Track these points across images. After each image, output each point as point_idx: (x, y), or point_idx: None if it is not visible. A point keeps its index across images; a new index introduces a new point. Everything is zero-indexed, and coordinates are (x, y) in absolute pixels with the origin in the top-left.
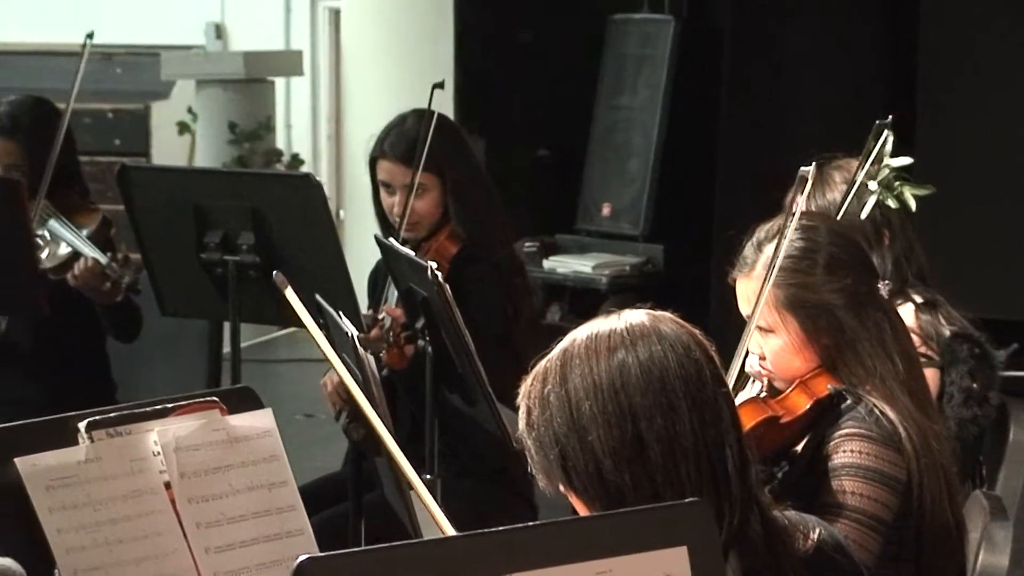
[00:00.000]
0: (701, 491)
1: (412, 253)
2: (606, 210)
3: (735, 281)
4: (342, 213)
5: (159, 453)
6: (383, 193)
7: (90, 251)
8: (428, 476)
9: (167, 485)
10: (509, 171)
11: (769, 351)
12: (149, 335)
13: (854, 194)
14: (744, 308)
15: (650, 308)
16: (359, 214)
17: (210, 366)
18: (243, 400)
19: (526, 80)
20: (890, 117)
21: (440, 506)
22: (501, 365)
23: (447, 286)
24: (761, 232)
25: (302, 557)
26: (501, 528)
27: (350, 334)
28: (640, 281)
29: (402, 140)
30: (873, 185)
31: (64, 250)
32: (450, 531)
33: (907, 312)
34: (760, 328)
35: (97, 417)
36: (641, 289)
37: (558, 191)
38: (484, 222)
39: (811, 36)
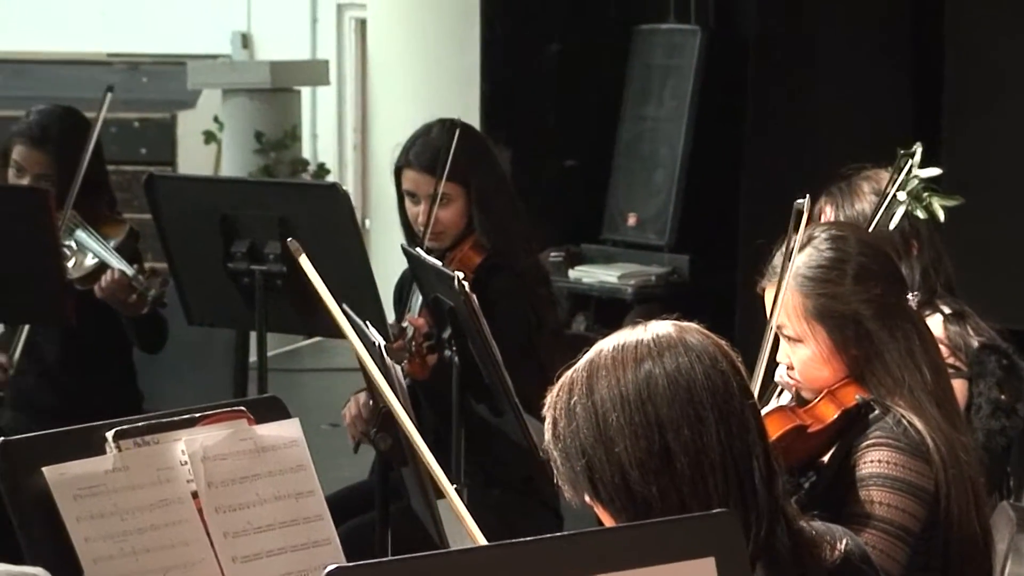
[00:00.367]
0: (728, 502)
1: (439, 263)
2: (632, 220)
3: (763, 290)
4: (367, 222)
5: (186, 462)
6: (408, 202)
7: (117, 263)
8: (454, 486)
9: (194, 494)
10: (535, 181)
11: (797, 361)
12: (175, 344)
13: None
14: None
15: (677, 319)
16: (385, 224)
17: (236, 375)
18: (270, 410)
19: (552, 90)
20: (917, 146)
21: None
22: (525, 375)
23: (474, 296)
24: (790, 241)
25: (331, 567)
26: (529, 538)
27: (377, 344)
28: (665, 291)
29: (427, 150)
30: (902, 196)
31: (91, 261)
32: (482, 541)
33: (935, 323)
34: (788, 338)
35: (125, 426)
36: (666, 299)
37: (584, 201)
38: (508, 232)
39: (837, 47)
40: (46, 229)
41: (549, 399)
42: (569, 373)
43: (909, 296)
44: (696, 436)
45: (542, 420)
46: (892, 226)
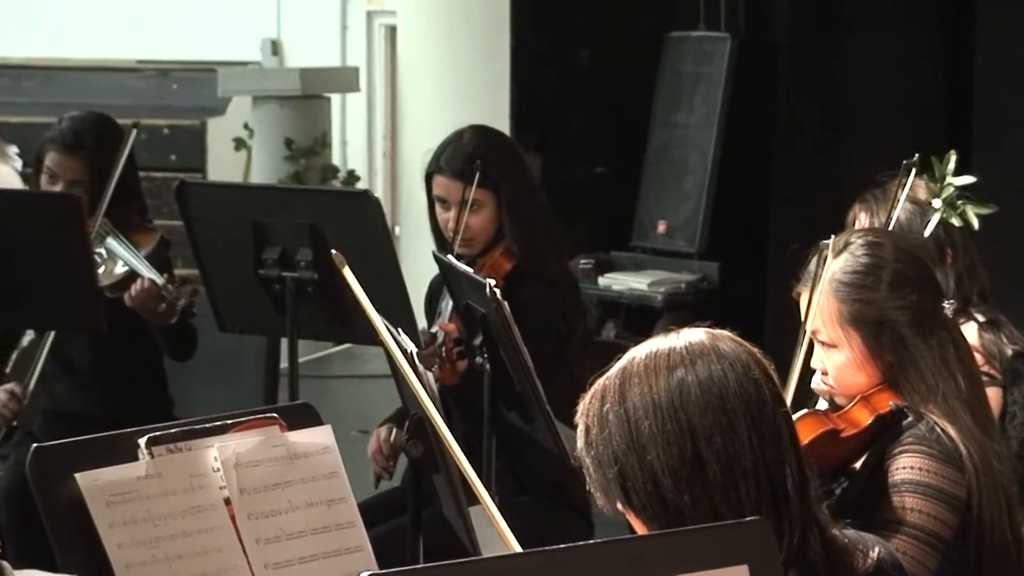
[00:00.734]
0: (760, 510)
1: (471, 270)
2: (661, 227)
3: (799, 295)
4: (397, 229)
5: (219, 469)
6: (438, 208)
7: (147, 271)
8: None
9: (227, 501)
10: (565, 188)
11: (832, 366)
12: (206, 351)
13: (910, 214)
14: (808, 321)
15: (709, 326)
16: (414, 230)
17: (267, 382)
18: (302, 416)
19: (582, 97)
20: (916, 156)
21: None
22: (555, 382)
23: (506, 304)
24: (827, 247)
25: (364, 574)
26: (562, 546)
27: (409, 351)
28: (695, 298)
29: (458, 156)
30: (937, 203)
31: (121, 269)
32: (517, 548)
33: (970, 331)
34: (823, 343)
35: (157, 433)
36: (696, 307)
37: (614, 208)
38: (538, 239)
39: (868, 54)
40: (78, 236)
41: (582, 406)
42: (602, 380)
43: (945, 304)
44: (728, 444)
45: (572, 427)
46: (927, 233)
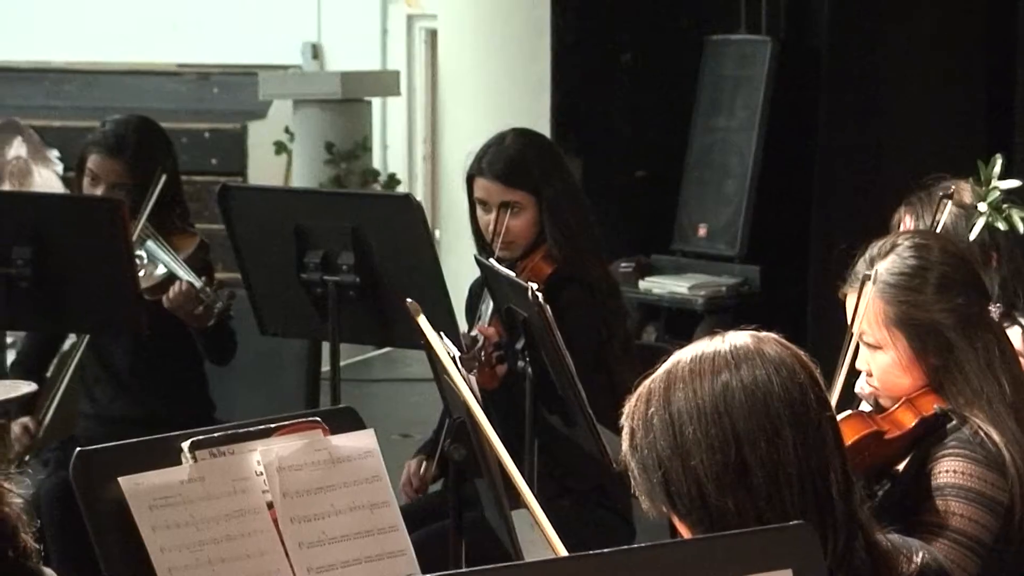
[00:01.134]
0: (805, 516)
1: (513, 274)
2: (702, 231)
3: (845, 296)
4: (438, 233)
5: (262, 473)
6: (479, 211)
7: (185, 274)
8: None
9: (270, 505)
10: (605, 191)
11: (876, 368)
12: (248, 354)
13: (955, 217)
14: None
15: (756, 330)
16: (455, 234)
17: (308, 386)
18: (345, 420)
19: (623, 100)
20: (952, 189)
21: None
22: (595, 386)
23: (547, 307)
24: (874, 248)
25: None
26: (608, 550)
27: (452, 355)
28: (736, 302)
29: (500, 158)
30: (983, 207)
31: (160, 271)
32: (563, 552)
33: (1015, 335)
34: (869, 345)
35: (200, 437)
36: (737, 310)
37: (654, 211)
38: (579, 242)
39: (909, 56)
40: (120, 240)
41: (627, 408)
42: (647, 383)
43: (992, 308)
44: (772, 450)
45: (613, 430)
46: (972, 237)
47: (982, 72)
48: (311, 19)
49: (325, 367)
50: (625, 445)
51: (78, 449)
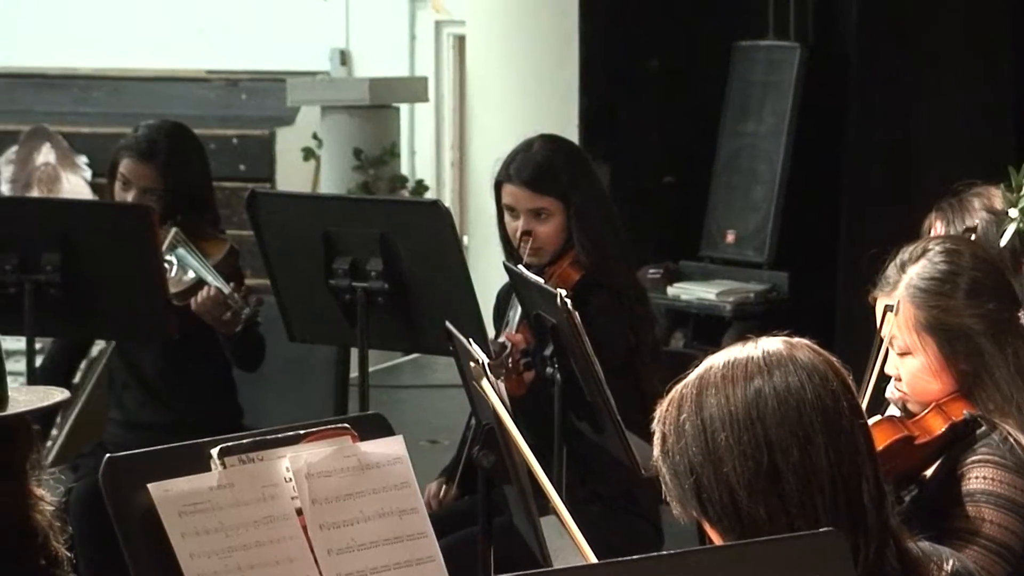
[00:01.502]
0: (837, 523)
1: (541, 280)
2: (730, 237)
3: (875, 300)
4: (466, 239)
5: (291, 479)
6: (507, 217)
7: (214, 280)
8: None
9: (299, 511)
10: (633, 197)
11: (906, 373)
12: (276, 360)
13: (986, 223)
14: (883, 328)
15: (788, 335)
16: (483, 240)
17: (337, 392)
18: (374, 427)
19: (651, 106)
20: (977, 223)
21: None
22: (623, 393)
23: (576, 313)
24: (905, 253)
25: None
26: (637, 556)
27: (481, 362)
28: (765, 308)
29: (528, 165)
30: (1013, 213)
31: (189, 277)
32: (592, 558)
33: None
34: (899, 350)
35: (229, 443)
36: (765, 316)
37: (682, 217)
38: (607, 249)
39: (938, 61)
40: (149, 246)
41: (658, 414)
42: (679, 388)
43: (1021, 314)
44: (805, 457)
45: (641, 436)
46: (1003, 243)
47: (1011, 74)
48: (339, 25)
49: (353, 373)
50: (656, 450)
51: (107, 456)
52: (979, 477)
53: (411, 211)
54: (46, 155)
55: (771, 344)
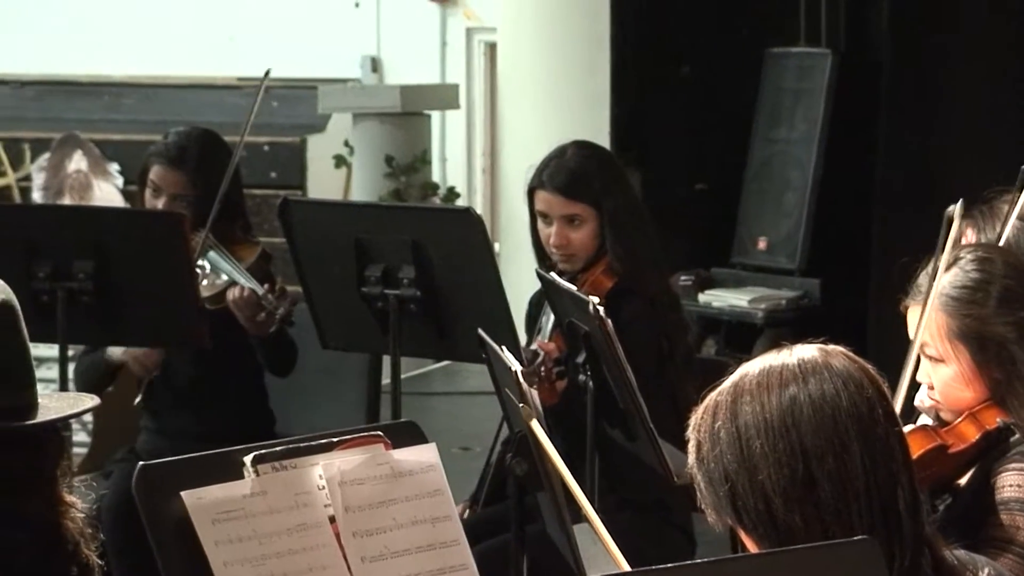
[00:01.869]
0: (872, 531)
1: (574, 288)
2: (762, 244)
3: (907, 309)
4: (497, 246)
5: (324, 487)
6: (540, 223)
7: (247, 282)
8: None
9: (332, 519)
10: (665, 204)
11: (938, 381)
12: (308, 368)
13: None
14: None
15: (823, 343)
16: (514, 247)
17: (369, 399)
18: (407, 434)
19: (682, 113)
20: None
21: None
22: (656, 400)
23: (609, 321)
24: (936, 261)
25: None
26: (670, 564)
27: (514, 370)
28: (796, 315)
29: (561, 171)
30: None
31: (222, 280)
32: (625, 566)
33: None
34: (931, 357)
35: (263, 451)
36: (797, 323)
37: (714, 224)
38: (640, 256)
39: (970, 67)
40: (181, 253)
41: (693, 421)
42: (714, 395)
43: None
44: (840, 464)
45: (674, 444)
46: None
47: None
48: (370, 33)
49: (385, 380)
50: (691, 458)
51: (140, 464)
52: (1013, 485)
53: (443, 218)
54: (78, 162)
55: (806, 352)
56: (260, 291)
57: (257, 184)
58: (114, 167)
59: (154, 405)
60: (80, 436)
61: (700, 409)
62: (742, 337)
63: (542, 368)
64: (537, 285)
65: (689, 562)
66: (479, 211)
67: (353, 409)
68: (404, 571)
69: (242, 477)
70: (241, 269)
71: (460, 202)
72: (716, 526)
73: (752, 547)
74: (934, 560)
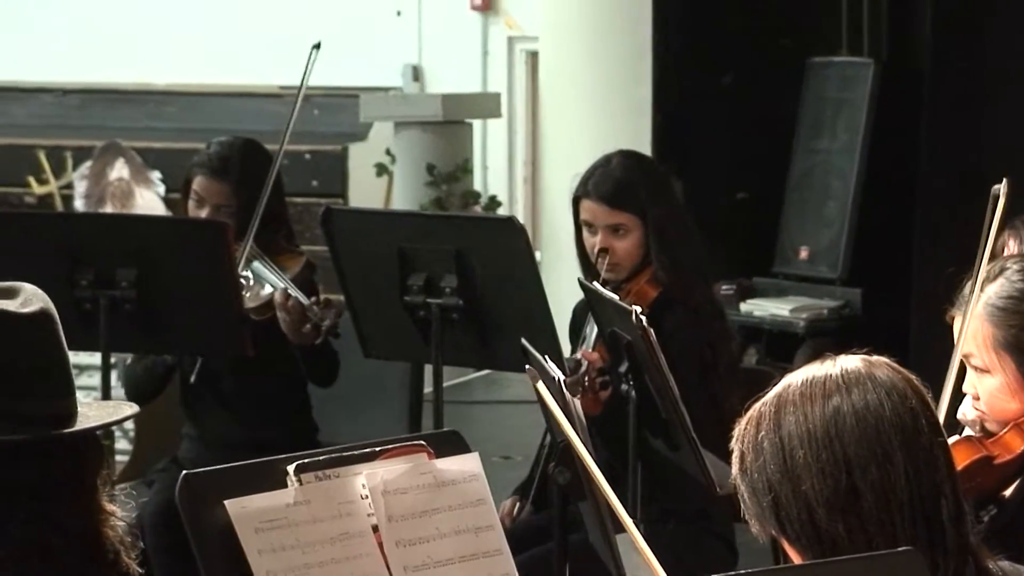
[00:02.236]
0: (915, 542)
1: (616, 297)
2: (804, 253)
3: (952, 319)
4: (539, 255)
5: (367, 496)
6: (585, 233)
7: (292, 292)
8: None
9: (375, 528)
10: (707, 213)
11: (984, 392)
12: (350, 376)
13: None
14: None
15: (867, 353)
16: (556, 257)
17: (411, 408)
18: (450, 444)
19: (724, 122)
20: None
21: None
22: (700, 410)
23: (651, 330)
24: (982, 272)
25: None
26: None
27: (557, 379)
28: (838, 325)
29: (607, 180)
30: None
31: (266, 291)
32: None
33: None
34: (976, 368)
35: (306, 460)
36: (839, 333)
37: (755, 234)
38: (684, 265)
39: (1013, 77)
40: (224, 262)
41: (737, 431)
42: (757, 406)
43: None
44: (884, 475)
45: (717, 454)
46: None
47: None
48: (412, 41)
49: (427, 389)
50: (735, 469)
51: (184, 472)
52: None
53: (486, 227)
54: (120, 170)
55: (849, 362)
56: (306, 302)
57: (298, 192)
58: (156, 175)
59: (197, 414)
60: (122, 444)
61: (744, 420)
62: (783, 347)
63: (585, 378)
64: (578, 294)
65: (732, 573)
66: (521, 220)
67: (395, 418)
68: None
69: (285, 486)
70: (286, 279)
71: (501, 211)
72: (760, 537)
73: (796, 557)
74: (978, 571)
